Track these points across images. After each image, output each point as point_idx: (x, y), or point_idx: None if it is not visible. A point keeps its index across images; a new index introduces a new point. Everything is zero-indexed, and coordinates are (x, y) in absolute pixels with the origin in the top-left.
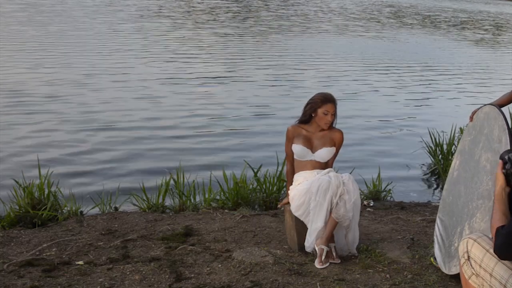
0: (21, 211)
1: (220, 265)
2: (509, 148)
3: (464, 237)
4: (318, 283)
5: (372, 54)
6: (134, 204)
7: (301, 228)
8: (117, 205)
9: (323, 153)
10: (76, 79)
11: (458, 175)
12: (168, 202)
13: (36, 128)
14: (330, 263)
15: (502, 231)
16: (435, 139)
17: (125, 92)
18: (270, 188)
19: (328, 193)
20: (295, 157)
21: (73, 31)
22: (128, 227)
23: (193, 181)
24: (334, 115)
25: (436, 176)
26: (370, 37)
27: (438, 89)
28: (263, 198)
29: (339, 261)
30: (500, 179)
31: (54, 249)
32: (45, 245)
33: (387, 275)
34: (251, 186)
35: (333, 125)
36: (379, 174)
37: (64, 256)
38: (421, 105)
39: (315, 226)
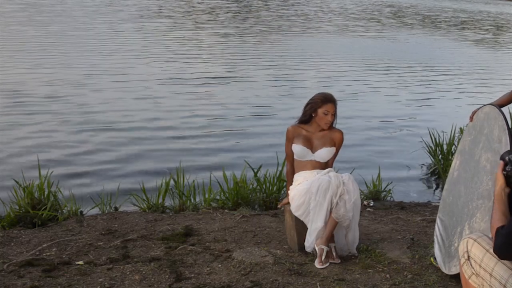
0: (21, 211)
1: (220, 265)
2: (509, 148)
3: (464, 237)
4: (318, 283)
5: (372, 54)
6: (134, 204)
7: (301, 228)
8: (117, 205)
9: (323, 153)
10: (76, 79)
11: (458, 175)
12: (168, 202)
13: (36, 128)
14: (330, 263)
15: (502, 231)
16: (435, 139)
17: (125, 92)
18: (270, 188)
19: (328, 193)
20: (295, 157)
21: (73, 31)
22: (128, 227)
23: (193, 181)
24: (334, 115)
25: (436, 176)
26: (370, 37)
27: (438, 89)
28: (263, 198)
29: (339, 261)
30: (500, 180)
31: (54, 249)
32: (45, 245)
33: (387, 275)
34: (251, 186)
35: (333, 125)
36: (379, 174)
37: (64, 256)
38: (421, 105)
39: (315, 226)
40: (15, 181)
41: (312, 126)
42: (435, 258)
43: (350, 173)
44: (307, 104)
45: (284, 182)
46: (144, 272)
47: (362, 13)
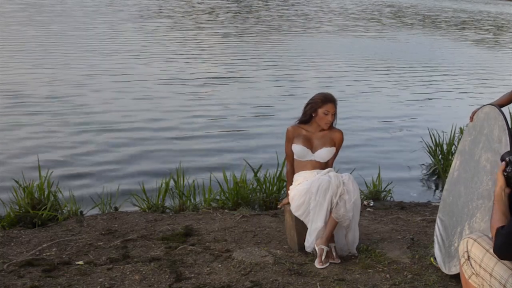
0: (21, 211)
1: (220, 265)
2: (509, 148)
3: (464, 237)
4: (318, 283)
5: (372, 54)
6: (134, 204)
7: (301, 228)
8: (117, 205)
9: (323, 153)
10: (76, 79)
11: (458, 175)
12: (168, 202)
13: (37, 128)
14: (330, 263)
15: (502, 231)
16: (435, 139)
17: (125, 92)
18: (270, 188)
19: (328, 193)
20: (295, 157)
21: (73, 31)
22: (128, 227)
23: (193, 181)
24: (334, 115)
25: (436, 176)
26: (371, 37)
27: (438, 89)
28: (263, 198)
29: (339, 261)
30: (500, 180)
31: (54, 249)
32: (45, 245)
33: (387, 275)
34: (251, 186)
35: (333, 125)
36: (379, 174)
37: (64, 256)
38: (421, 106)
39: (315, 226)
40: (15, 181)
41: (312, 126)
42: (435, 258)
43: (350, 173)
44: (307, 104)
45: (284, 182)
46: (144, 272)
47: (362, 13)
